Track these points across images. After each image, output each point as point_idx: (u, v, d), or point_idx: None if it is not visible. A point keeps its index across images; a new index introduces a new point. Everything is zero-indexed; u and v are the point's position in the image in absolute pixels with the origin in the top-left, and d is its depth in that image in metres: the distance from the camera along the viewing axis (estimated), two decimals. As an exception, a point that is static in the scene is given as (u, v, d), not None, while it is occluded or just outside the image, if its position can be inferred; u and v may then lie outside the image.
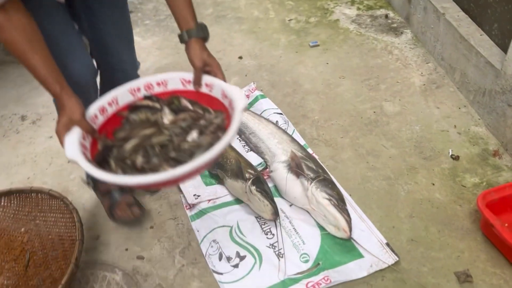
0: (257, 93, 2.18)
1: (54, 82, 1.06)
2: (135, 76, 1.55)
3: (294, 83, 2.31)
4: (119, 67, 1.50)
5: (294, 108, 2.13)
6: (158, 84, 1.23)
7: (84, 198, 1.72)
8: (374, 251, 1.44)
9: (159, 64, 2.57)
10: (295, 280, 1.38)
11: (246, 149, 1.90)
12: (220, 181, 1.75)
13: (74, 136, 1.04)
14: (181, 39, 1.22)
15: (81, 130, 1.05)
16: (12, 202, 1.60)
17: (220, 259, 1.47)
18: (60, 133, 1.05)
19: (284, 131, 1.89)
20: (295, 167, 1.63)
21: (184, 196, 1.68)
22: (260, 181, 1.62)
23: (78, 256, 1.32)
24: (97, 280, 1.44)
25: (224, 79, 1.19)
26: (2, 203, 1.59)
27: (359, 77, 2.30)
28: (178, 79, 1.23)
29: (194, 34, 1.20)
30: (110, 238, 1.58)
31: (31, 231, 1.56)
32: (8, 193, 1.60)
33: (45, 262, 1.47)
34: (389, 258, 1.41)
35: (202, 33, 1.21)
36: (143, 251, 1.52)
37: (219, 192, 1.70)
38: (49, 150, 2.00)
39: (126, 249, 1.53)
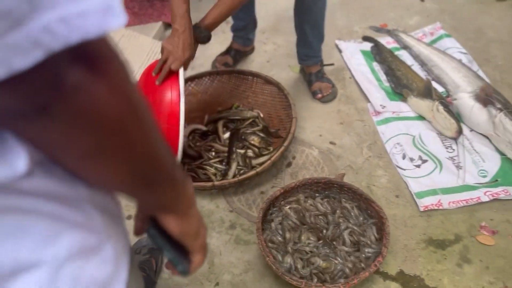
0: (442, 32, 2.28)
1: None
2: None
3: (477, 30, 2.35)
4: None
5: (477, 52, 2.19)
6: None
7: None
8: (554, 181, 1.54)
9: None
10: (473, 187, 1.55)
11: (429, 78, 2.04)
12: (403, 98, 1.93)
13: None
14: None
15: None
16: (230, 80, 1.95)
17: (403, 158, 1.68)
18: None
19: (469, 68, 2.00)
20: (485, 96, 1.74)
21: (371, 104, 1.90)
22: (446, 103, 1.77)
23: (294, 130, 1.62)
24: (298, 152, 1.74)
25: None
26: (222, 79, 1.95)
27: (549, 34, 2.27)
28: None
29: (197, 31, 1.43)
30: (306, 124, 1.86)
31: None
32: (230, 72, 1.95)
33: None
34: None
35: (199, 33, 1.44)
36: (335, 139, 1.78)
37: (403, 107, 1.89)
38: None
39: (320, 135, 1.81)
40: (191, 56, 1.44)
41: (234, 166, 1.63)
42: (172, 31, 1.40)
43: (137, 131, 0.39)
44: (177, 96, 1.36)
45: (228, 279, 1.37)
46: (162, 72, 1.39)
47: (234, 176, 1.59)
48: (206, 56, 2.19)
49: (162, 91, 1.39)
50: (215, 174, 1.63)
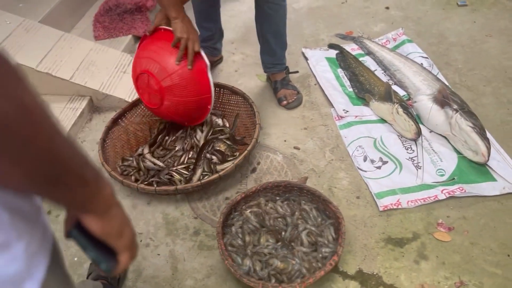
0: (404, 37, 2.35)
1: None
2: None
3: (440, 35, 2.43)
4: None
5: (438, 56, 2.26)
6: None
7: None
8: (508, 177, 1.59)
9: (310, 6, 2.81)
10: (431, 186, 1.60)
11: (391, 83, 2.10)
12: (365, 103, 1.98)
13: None
14: None
15: None
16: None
17: (364, 160, 1.72)
18: None
19: (429, 71, 2.06)
20: (442, 98, 1.80)
21: (335, 109, 1.95)
22: (406, 106, 1.83)
23: (257, 136, 1.65)
24: (263, 157, 1.77)
25: None
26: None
27: (507, 37, 2.36)
28: None
29: None
30: (271, 130, 1.90)
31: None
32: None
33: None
34: (523, 185, 1.56)
35: None
36: (299, 144, 1.82)
37: (365, 111, 1.94)
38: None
39: (285, 141, 1.85)
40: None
41: (199, 172, 1.66)
42: (172, 21, 1.54)
43: (30, 133, 0.40)
44: (205, 71, 1.62)
45: (190, 284, 1.38)
46: (189, 57, 1.55)
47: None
48: (175, 67, 2.22)
49: (189, 71, 1.58)
50: (180, 180, 1.65)
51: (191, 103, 1.65)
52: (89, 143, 1.90)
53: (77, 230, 0.58)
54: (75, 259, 1.47)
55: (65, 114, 1.96)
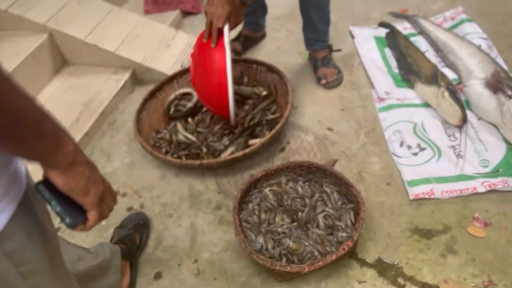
0: (463, 16, 2.16)
1: None
2: None
3: (506, 15, 2.21)
4: None
5: (501, 37, 2.06)
6: None
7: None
8: (562, 174, 1.42)
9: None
10: (470, 177, 1.47)
11: (442, 65, 1.95)
12: (410, 85, 1.85)
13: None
14: None
15: None
16: (236, 68, 1.97)
17: (401, 145, 1.62)
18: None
19: (486, 54, 1.88)
20: (495, 82, 1.64)
21: (375, 90, 1.85)
22: (453, 90, 1.69)
23: (288, 114, 1.61)
24: (293, 137, 1.73)
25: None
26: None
27: None
28: None
29: None
30: (306, 110, 1.84)
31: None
32: (236, 61, 1.97)
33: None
34: None
35: None
36: (333, 125, 1.75)
37: (409, 95, 1.82)
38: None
39: (319, 121, 1.79)
40: (232, 12, 1.47)
41: (230, 150, 1.65)
42: None
43: None
44: (223, 53, 1.48)
45: (207, 256, 1.40)
46: (213, 34, 1.48)
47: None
48: (218, 43, 2.22)
49: (211, 51, 1.50)
50: (207, 155, 1.65)
51: (211, 86, 1.54)
52: (129, 114, 1.96)
53: (44, 184, 0.60)
54: (103, 223, 1.54)
55: (109, 85, 2.03)
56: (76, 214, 0.63)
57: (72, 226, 0.62)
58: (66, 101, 1.98)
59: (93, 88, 2.02)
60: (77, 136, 1.77)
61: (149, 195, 1.62)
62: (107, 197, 0.67)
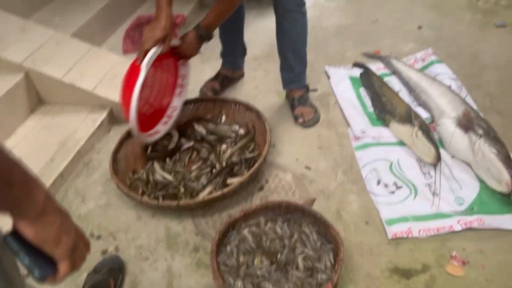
0: (433, 58, 2.25)
1: None
2: None
3: (473, 56, 2.31)
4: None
5: (469, 78, 2.14)
6: None
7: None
8: (534, 211, 1.46)
9: (340, 24, 2.77)
10: (447, 215, 1.49)
11: (415, 104, 2.00)
12: (385, 124, 1.90)
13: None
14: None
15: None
16: (215, 107, 1.99)
17: (378, 184, 1.64)
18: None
19: (457, 94, 1.95)
20: (466, 122, 1.69)
21: (352, 129, 1.88)
22: (427, 129, 1.73)
23: (267, 153, 1.62)
24: (272, 176, 1.73)
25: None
26: (207, 106, 1.99)
27: (548, 61, 2.20)
28: None
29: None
30: (284, 148, 1.86)
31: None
32: (214, 100, 1.99)
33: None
34: (550, 220, 1.42)
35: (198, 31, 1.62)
36: (311, 164, 1.77)
37: (384, 133, 1.86)
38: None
39: (297, 159, 1.80)
40: (166, 38, 1.51)
41: (208, 189, 1.63)
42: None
43: None
44: (137, 73, 1.49)
45: (184, 302, 1.35)
46: (139, 53, 1.51)
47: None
48: (197, 82, 2.24)
49: (134, 68, 1.52)
50: (185, 195, 1.63)
51: (126, 99, 1.54)
52: (105, 154, 1.93)
53: (13, 236, 0.58)
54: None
55: (85, 124, 2.01)
56: (46, 265, 0.60)
57: (41, 279, 0.59)
58: (40, 141, 1.94)
59: (69, 127, 1.99)
60: (51, 177, 1.73)
61: (125, 237, 1.57)
62: (79, 246, 0.64)
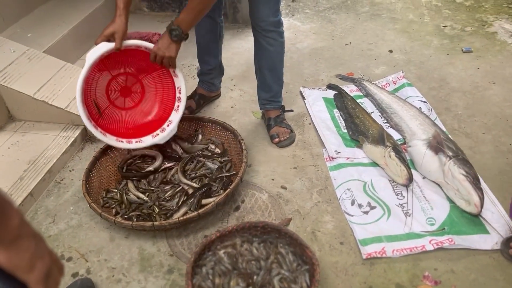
0: (404, 81, 2.33)
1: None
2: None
3: (441, 80, 2.40)
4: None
5: (438, 100, 2.22)
6: None
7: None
8: (501, 231, 1.51)
9: (314, 46, 2.83)
10: (419, 235, 1.52)
11: (387, 126, 2.06)
12: (359, 145, 1.93)
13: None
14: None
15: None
16: (191, 126, 1.99)
17: (352, 204, 1.66)
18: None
19: (427, 116, 2.02)
20: (436, 144, 1.75)
21: (326, 150, 1.91)
22: (399, 150, 1.78)
23: (243, 173, 1.63)
24: (248, 195, 1.73)
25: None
26: (184, 125, 1.99)
27: (511, 85, 2.31)
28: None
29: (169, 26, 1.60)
30: (260, 168, 1.86)
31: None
32: (190, 119, 1.99)
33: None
34: (517, 240, 1.47)
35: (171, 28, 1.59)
36: (287, 183, 1.78)
37: (357, 154, 1.89)
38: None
39: (272, 179, 1.81)
40: (116, 35, 1.59)
41: (183, 210, 1.61)
42: None
43: None
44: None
45: (157, 325, 1.32)
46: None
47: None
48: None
49: None
50: (160, 216, 1.61)
51: None
52: (78, 172, 1.89)
53: None
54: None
55: (57, 142, 1.97)
56: None
57: None
58: (9, 159, 1.88)
59: (40, 145, 1.95)
60: (20, 196, 1.67)
61: (97, 259, 1.53)
62: (53, 271, 0.63)
